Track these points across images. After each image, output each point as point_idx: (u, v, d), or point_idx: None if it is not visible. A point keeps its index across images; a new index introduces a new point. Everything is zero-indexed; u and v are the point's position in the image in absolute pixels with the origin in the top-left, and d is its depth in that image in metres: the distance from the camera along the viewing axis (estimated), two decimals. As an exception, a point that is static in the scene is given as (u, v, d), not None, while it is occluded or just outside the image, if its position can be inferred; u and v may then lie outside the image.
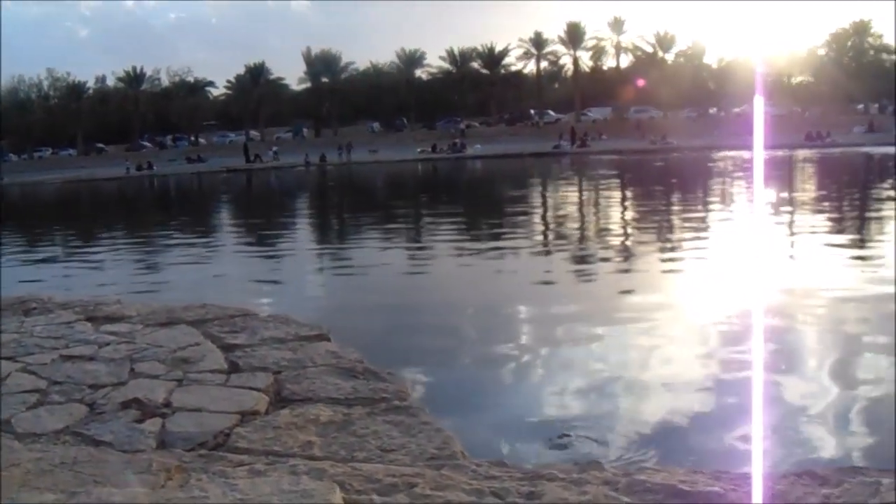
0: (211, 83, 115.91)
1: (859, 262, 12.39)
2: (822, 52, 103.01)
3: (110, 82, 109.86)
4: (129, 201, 43.70)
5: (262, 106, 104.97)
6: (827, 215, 19.05)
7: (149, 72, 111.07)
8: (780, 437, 5.38)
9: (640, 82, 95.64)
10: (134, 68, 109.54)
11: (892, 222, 17.24)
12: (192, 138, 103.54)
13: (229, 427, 4.44)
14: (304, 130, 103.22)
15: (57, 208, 41.91)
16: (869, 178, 32.96)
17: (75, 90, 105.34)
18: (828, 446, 5.30)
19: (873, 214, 19.31)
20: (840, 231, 16.50)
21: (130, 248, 19.84)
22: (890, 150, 52.98)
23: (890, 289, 9.77)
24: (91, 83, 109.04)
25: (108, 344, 6.39)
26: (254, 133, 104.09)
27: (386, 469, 3.78)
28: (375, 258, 15.16)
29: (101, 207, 39.73)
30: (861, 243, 14.60)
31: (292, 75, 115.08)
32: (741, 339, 7.61)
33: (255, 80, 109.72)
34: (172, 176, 67.73)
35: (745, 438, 5.08)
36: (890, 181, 29.97)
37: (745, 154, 43.79)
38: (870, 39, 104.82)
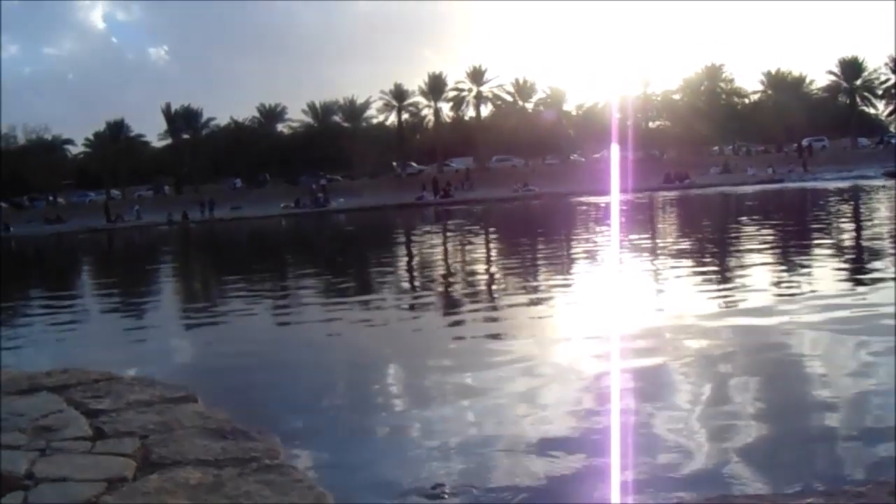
0: (69, 141, 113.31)
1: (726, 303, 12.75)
2: (676, 96, 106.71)
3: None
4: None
5: (122, 163, 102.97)
6: (689, 257, 19.53)
7: (4, 129, 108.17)
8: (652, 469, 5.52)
9: (501, 131, 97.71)
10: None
11: (754, 257, 17.92)
12: (51, 198, 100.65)
13: (96, 496, 4.31)
14: (166, 188, 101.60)
15: None
16: (727, 217, 34.13)
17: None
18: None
19: (733, 253, 19.97)
20: (705, 274, 16.84)
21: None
22: (745, 188, 55.36)
23: (747, 322, 10.18)
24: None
25: (-36, 415, 6.14)
26: (115, 192, 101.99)
27: (258, 530, 3.73)
28: (240, 317, 14.94)
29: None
30: (726, 284, 15.01)
31: (152, 131, 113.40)
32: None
33: (115, 137, 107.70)
34: (31, 237, 65.72)
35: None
36: (747, 219, 31.03)
37: (605, 199, 44.90)
38: (722, 84, 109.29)
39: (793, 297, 12.37)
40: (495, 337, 11.09)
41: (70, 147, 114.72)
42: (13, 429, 5.65)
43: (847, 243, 20.85)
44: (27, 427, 5.67)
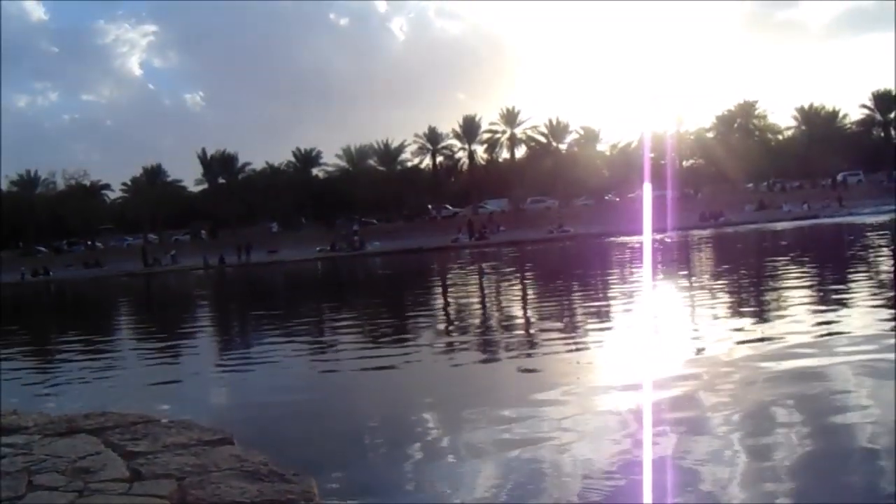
0: (107, 186, 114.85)
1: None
2: (710, 134, 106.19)
3: (3, 186, 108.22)
4: (24, 307, 42.58)
5: (159, 208, 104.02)
6: (725, 297, 19.18)
7: (43, 175, 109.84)
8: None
9: (535, 173, 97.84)
10: (28, 171, 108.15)
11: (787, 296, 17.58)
12: (89, 242, 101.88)
13: (133, 537, 4.33)
14: (202, 232, 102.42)
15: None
16: (762, 256, 33.44)
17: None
18: None
19: (768, 292, 19.57)
20: (741, 314, 16.45)
21: (27, 356, 19.33)
22: (780, 225, 54.87)
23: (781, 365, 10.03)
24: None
25: (3, 457, 6.20)
26: (152, 236, 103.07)
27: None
28: (276, 360, 14.97)
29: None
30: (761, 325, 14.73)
31: (189, 176, 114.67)
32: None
33: (152, 182, 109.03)
34: (69, 281, 66.49)
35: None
36: (782, 257, 30.56)
37: (640, 239, 44.47)
38: (755, 120, 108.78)
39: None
40: (532, 370, 11.06)
41: (108, 192, 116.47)
42: (52, 470, 5.70)
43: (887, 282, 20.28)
44: (66, 468, 5.72)
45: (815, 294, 18.36)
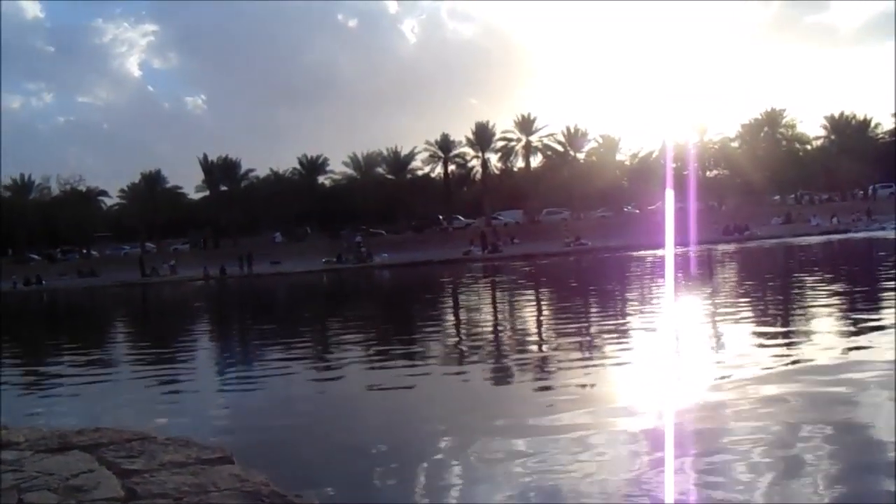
0: (104, 192, 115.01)
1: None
2: (735, 143, 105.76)
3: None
4: (14, 318, 42.61)
5: (157, 216, 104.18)
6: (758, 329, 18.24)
7: (37, 179, 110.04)
8: None
9: (552, 183, 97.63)
10: (22, 175, 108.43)
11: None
12: (84, 251, 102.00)
13: (127, 559, 4.33)
14: (202, 241, 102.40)
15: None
16: (790, 274, 32.62)
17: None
18: None
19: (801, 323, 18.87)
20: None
21: (18, 369, 19.35)
22: (809, 240, 54.60)
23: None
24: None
25: (-7, 474, 6.20)
26: (150, 245, 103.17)
27: None
28: (279, 377, 14.98)
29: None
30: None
31: (189, 182, 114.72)
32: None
33: (151, 188, 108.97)
34: (63, 291, 66.60)
35: None
36: (811, 274, 30.13)
37: (661, 253, 43.64)
38: (783, 129, 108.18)
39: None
40: (546, 392, 11.02)
41: (104, 198, 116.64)
42: (43, 488, 5.69)
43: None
44: (58, 486, 5.71)
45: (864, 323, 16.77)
